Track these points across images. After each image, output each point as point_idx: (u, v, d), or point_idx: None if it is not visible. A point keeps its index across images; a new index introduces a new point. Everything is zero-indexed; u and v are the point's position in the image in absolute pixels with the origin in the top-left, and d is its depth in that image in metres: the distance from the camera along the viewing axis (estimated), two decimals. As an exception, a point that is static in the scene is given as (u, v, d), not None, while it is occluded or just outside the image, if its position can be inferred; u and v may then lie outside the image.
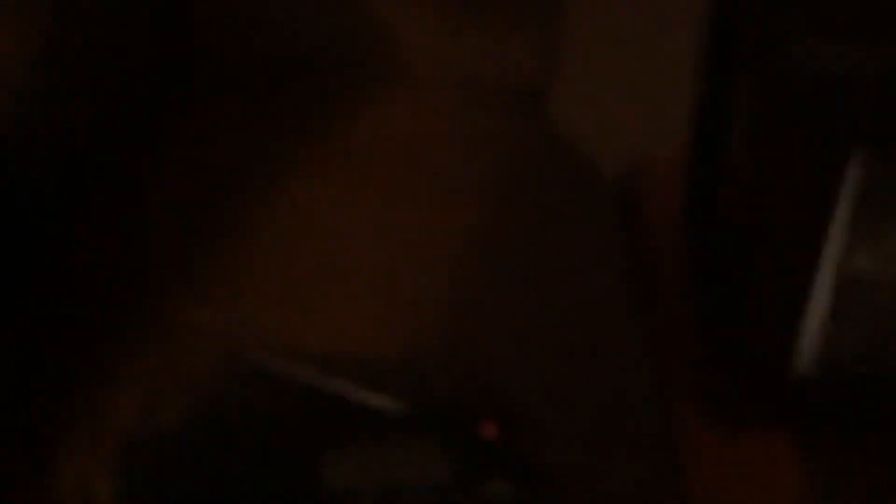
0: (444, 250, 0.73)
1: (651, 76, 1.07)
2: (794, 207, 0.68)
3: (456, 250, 0.73)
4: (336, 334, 0.68)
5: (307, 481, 0.58)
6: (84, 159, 0.81)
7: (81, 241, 0.76)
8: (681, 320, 0.81)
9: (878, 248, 0.70)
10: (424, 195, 0.76)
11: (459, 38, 0.85)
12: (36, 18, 0.73)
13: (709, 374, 0.77)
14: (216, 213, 0.74)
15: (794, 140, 0.65)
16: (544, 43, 0.88)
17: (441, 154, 0.79)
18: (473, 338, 0.69)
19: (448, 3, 0.85)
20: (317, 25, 0.83)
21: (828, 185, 0.66)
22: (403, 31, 0.84)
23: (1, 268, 0.75)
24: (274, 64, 0.83)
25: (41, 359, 0.69)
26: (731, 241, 0.73)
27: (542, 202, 0.79)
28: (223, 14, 0.83)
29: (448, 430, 0.60)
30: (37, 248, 0.77)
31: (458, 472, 0.58)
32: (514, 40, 0.87)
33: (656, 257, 0.85)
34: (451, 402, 0.64)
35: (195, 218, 0.74)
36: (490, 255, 0.73)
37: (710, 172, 0.80)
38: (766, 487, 0.74)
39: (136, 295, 0.71)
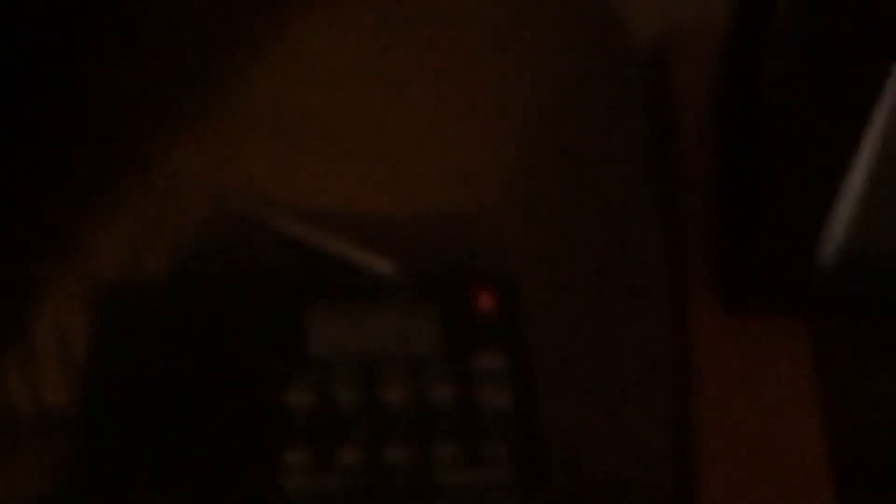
0: (456, 105, 0.68)
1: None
2: (841, 83, 0.63)
3: (469, 106, 0.69)
4: (331, 187, 0.64)
5: (290, 340, 0.54)
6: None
7: (70, 85, 0.72)
8: (703, 197, 0.77)
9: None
10: (443, 46, 0.71)
11: None
12: None
13: (728, 256, 0.73)
14: (208, 60, 0.69)
15: (847, 13, 0.60)
16: None
17: (463, 8, 0.74)
18: (478, 202, 0.64)
19: None
20: None
21: (879, 62, 0.61)
22: None
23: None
24: None
25: (28, 200, 0.66)
26: (768, 116, 0.68)
27: (567, 63, 0.74)
28: None
29: (442, 297, 0.56)
30: (27, 90, 0.73)
31: (449, 342, 0.54)
32: None
33: (680, 130, 0.80)
34: (448, 269, 0.59)
35: (186, 64, 0.70)
36: (506, 115, 0.68)
37: (749, 42, 0.75)
38: (776, 378, 0.71)
39: (125, 141, 0.67)
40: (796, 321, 0.73)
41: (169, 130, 0.67)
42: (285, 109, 0.67)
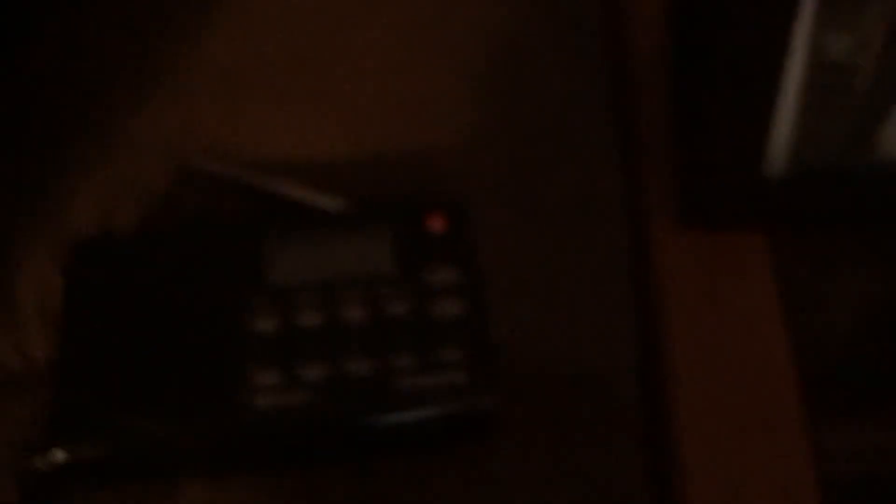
0: (405, 41, 0.71)
1: None
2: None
3: (417, 48, 0.71)
4: (289, 137, 0.67)
5: (252, 274, 0.57)
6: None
7: (33, 50, 0.75)
8: (658, 118, 0.80)
9: (850, 32, 0.68)
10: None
11: None
12: None
13: (684, 174, 0.75)
14: (166, 18, 0.72)
15: None
16: None
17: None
18: (429, 135, 0.67)
19: None
20: None
21: None
22: None
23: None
24: None
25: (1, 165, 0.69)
26: (702, 31, 0.70)
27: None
28: None
29: (394, 222, 0.59)
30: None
31: (403, 262, 0.57)
32: None
33: (636, 53, 0.82)
34: (399, 195, 0.62)
35: (145, 24, 0.72)
36: (455, 50, 0.71)
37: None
38: (739, 289, 0.73)
39: (90, 104, 0.70)
40: (753, 235, 0.76)
41: (131, 94, 0.70)
42: (238, 57, 0.69)
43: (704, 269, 0.74)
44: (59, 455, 0.53)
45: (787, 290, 0.73)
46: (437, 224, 0.58)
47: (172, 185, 0.66)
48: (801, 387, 0.69)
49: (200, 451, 0.54)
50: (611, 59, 0.82)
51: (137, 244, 0.60)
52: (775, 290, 0.73)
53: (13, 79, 0.73)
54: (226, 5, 0.72)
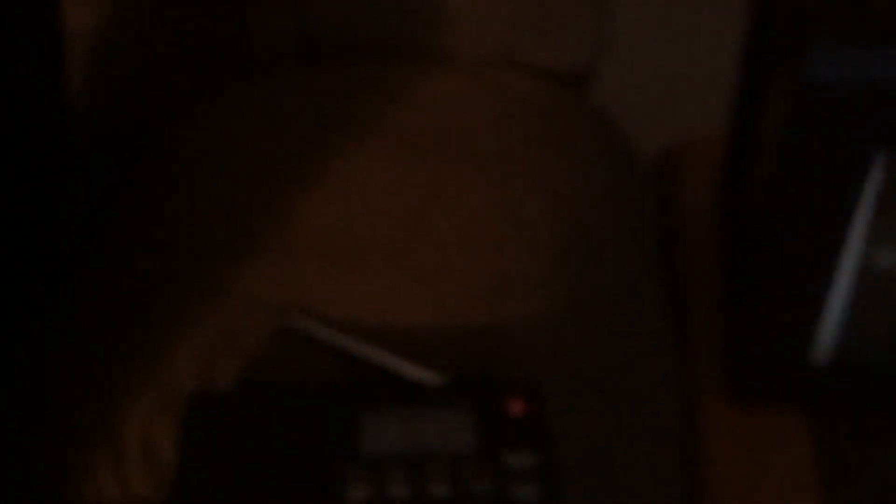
0: (486, 223, 0.76)
1: (694, 59, 1.08)
2: (819, 203, 0.70)
3: (494, 223, 0.77)
4: (379, 301, 0.73)
5: (347, 442, 0.63)
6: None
7: (140, 209, 0.81)
8: (709, 302, 0.84)
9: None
10: (472, 170, 0.79)
11: (505, 15, 0.88)
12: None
13: (732, 354, 0.80)
14: (267, 185, 0.78)
15: (820, 140, 0.67)
16: (594, 26, 0.91)
17: (488, 134, 0.82)
18: (506, 313, 0.73)
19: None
20: (361, 4, 0.87)
21: (851, 184, 0.68)
22: (449, 10, 0.87)
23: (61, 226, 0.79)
24: (317, 41, 0.87)
25: (105, 324, 0.74)
26: (758, 229, 0.75)
27: (580, 179, 0.82)
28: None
29: (477, 403, 0.64)
30: (94, 212, 0.81)
31: (483, 442, 0.62)
32: (562, 20, 0.89)
33: (688, 240, 0.87)
34: (483, 377, 0.68)
35: (247, 190, 0.78)
36: (527, 230, 0.76)
37: (744, 151, 0.82)
38: (780, 464, 0.77)
39: (194, 262, 0.75)
40: (797, 413, 0.79)
41: (233, 253, 0.76)
42: (332, 232, 0.75)
43: (748, 442, 0.78)
44: None
45: (827, 467, 0.77)
46: (517, 407, 0.64)
47: (269, 342, 0.71)
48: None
49: None
50: (665, 246, 0.87)
51: (245, 401, 0.66)
52: (816, 466, 0.77)
53: (124, 236, 0.79)
54: (328, 180, 0.78)
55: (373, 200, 0.77)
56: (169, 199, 0.80)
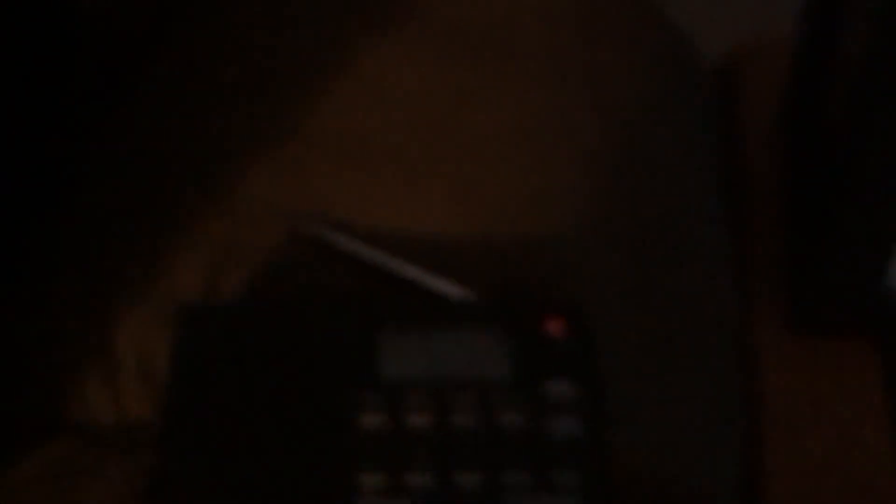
0: (530, 130, 0.69)
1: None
2: None
3: (542, 131, 0.69)
4: (404, 211, 0.65)
5: (362, 362, 0.56)
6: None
7: (147, 107, 0.74)
8: (771, 218, 0.77)
9: None
10: (517, 70, 0.71)
11: None
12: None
13: (797, 278, 0.73)
14: (280, 82, 0.70)
15: None
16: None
17: (537, 30, 0.74)
18: (550, 228, 0.65)
19: None
20: None
21: None
22: None
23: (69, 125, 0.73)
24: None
25: (104, 230, 0.68)
26: (836, 143, 0.68)
27: (636, 83, 0.74)
28: None
29: (512, 323, 0.57)
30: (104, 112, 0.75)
31: (518, 368, 0.55)
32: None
33: (750, 153, 0.80)
34: (519, 295, 0.60)
35: (259, 87, 0.71)
36: (578, 139, 0.69)
37: (817, 58, 0.75)
38: (845, 398, 0.71)
39: (201, 165, 0.68)
40: (865, 343, 0.73)
41: (243, 156, 0.68)
42: (354, 134, 0.68)
43: (812, 374, 0.72)
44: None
45: (895, 400, 0.71)
46: (556, 329, 0.56)
47: (281, 250, 0.64)
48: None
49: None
50: (726, 159, 0.80)
51: (245, 313, 0.59)
52: (884, 400, 0.71)
53: (131, 135, 0.72)
54: (343, 81, 0.70)
55: (399, 100, 0.69)
56: (176, 99, 0.72)
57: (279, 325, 0.58)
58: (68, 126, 0.73)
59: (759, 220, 0.77)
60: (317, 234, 0.63)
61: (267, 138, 0.69)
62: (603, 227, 0.66)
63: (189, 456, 0.54)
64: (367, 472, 0.52)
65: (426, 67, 0.71)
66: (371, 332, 0.57)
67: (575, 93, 0.70)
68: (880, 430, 0.70)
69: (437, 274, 0.61)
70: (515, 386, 0.54)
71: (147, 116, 0.72)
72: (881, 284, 0.70)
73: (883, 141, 0.65)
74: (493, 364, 0.55)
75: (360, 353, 0.56)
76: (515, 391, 0.54)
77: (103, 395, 0.62)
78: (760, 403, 0.71)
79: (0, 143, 0.67)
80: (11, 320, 0.65)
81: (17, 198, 0.68)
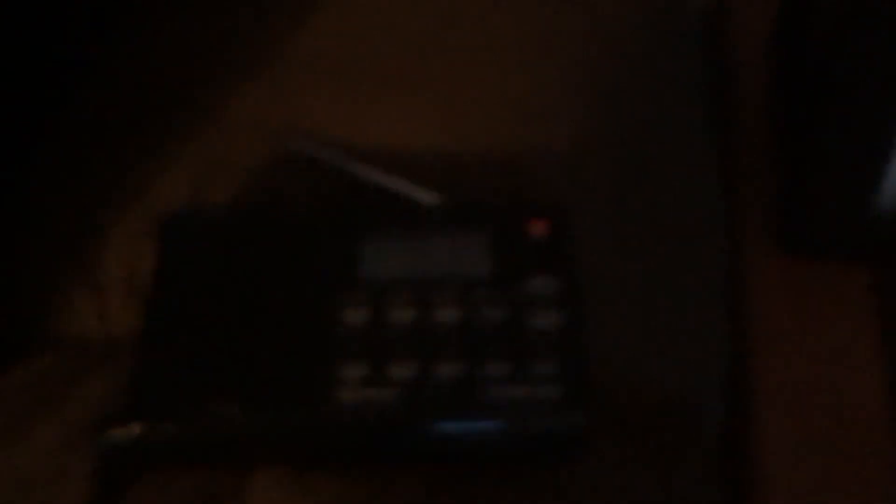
0: (511, 46, 0.69)
1: None
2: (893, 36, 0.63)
3: (525, 49, 0.69)
4: (393, 129, 0.66)
5: (345, 266, 0.56)
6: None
7: (137, 28, 0.74)
8: (761, 145, 0.77)
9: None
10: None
11: None
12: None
13: (787, 201, 0.73)
14: (269, 4, 0.71)
15: None
16: None
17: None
18: (540, 143, 0.65)
19: None
20: None
21: None
22: None
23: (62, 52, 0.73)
24: None
25: (91, 145, 0.68)
26: (824, 67, 0.68)
27: (631, 7, 0.74)
28: None
29: (496, 226, 0.57)
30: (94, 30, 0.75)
31: (501, 267, 0.55)
32: None
33: (739, 78, 0.80)
34: (502, 197, 0.60)
35: (248, 9, 0.71)
36: (559, 54, 0.69)
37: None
38: (834, 319, 0.71)
39: (190, 85, 0.69)
40: (853, 266, 0.73)
41: (231, 77, 0.69)
42: (342, 54, 0.68)
43: (801, 296, 0.72)
44: (137, 429, 0.53)
45: (887, 323, 0.71)
46: (538, 229, 0.57)
47: (267, 165, 0.65)
48: (894, 422, 0.67)
49: (278, 440, 0.53)
50: (715, 82, 0.80)
51: (229, 222, 0.59)
52: (873, 322, 0.71)
53: (117, 54, 0.73)
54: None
55: (388, 20, 0.69)
56: (165, 20, 0.73)
57: (263, 232, 0.58)
58: (57, 46, 0.73)
59: (748, 141, 0.77)
60: (303, 149, 0.64)
61: (256, 60, 0.69)
62: (592, 143, 0.66)
63: (170, 355, 0.54)
64: (350, 363, 0.52)
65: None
66: (354, 239, 0.57)
67: (557, 6, 0.71)
68: (870, 351, 0.70)
69: (423, 186, 0.62)
70: (496, 283, 0.55)
71: (136, 37, 0.73)
72: (870, 206, 0.70)
73: (869, 60, 0.65)
74: (476, 264, 0.56)
75: (343, 258, 0.57)
76: (496, 288, 0.54)
77: (90, 309, 0.63)
78: (748, 324, 0.71)
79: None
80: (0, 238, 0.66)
81: (2, 115, 0.68)
